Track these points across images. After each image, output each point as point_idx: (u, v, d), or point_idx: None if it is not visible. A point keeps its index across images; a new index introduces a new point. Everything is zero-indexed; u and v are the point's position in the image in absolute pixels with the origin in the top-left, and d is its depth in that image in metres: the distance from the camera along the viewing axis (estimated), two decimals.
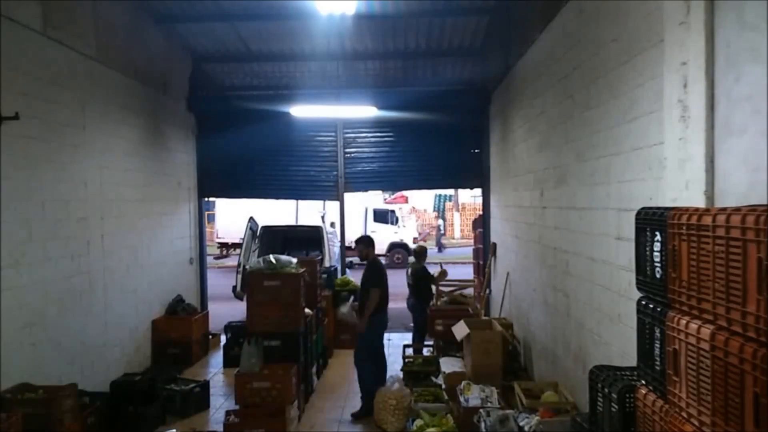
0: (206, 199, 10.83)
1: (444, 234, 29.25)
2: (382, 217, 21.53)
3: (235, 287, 10.36)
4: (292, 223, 15.74)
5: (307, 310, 6.68)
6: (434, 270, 8.78)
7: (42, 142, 5.47)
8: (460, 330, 6.22)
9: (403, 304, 8.90)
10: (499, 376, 5.71)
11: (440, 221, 30.01)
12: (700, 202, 2.65)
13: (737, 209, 1.86)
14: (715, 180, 2.61)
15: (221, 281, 14.38)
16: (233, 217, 18.13)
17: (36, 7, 5.40)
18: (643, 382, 2.49)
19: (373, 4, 7.75)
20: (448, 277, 9.23)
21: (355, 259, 20.16)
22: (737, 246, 1.80)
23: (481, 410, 4.60)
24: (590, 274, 4.40)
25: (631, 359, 3.01)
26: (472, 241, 14.94)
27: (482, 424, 4.41)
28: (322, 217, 15.86)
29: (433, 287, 8.58)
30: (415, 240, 21.70)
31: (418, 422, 5.21)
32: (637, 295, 2.61)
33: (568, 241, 4.98)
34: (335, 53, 9.56)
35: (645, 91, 3.36)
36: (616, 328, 3.81)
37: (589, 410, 3.00)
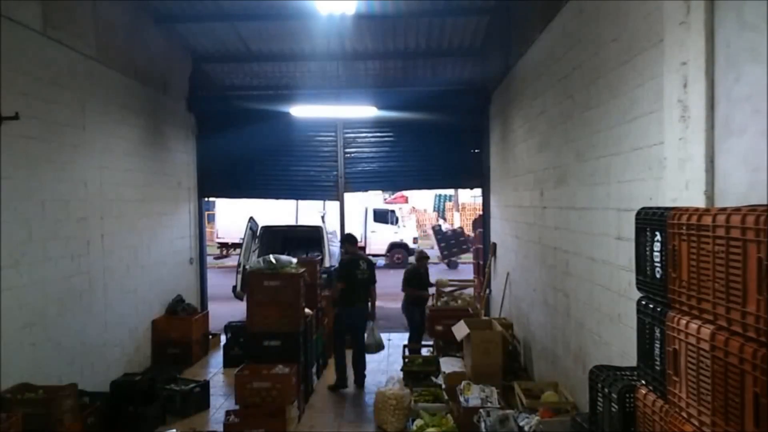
0: (206, 199, 10.82)
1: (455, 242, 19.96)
2: (382, 217, 21.52)
3: (235, 287, 10.36)
4: (292, 223, 15.74)
5: (307, 310, 6.68)
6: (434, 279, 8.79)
7: (42, 142, 5.47)
8: (460, 330, 6.23)
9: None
10: (499, 376, 5.70)
11: (443, 222, 27.58)
12: (700, 202, 2.65)
13: (737, 209, 1.86)
14: (715, 180, 2.61)
15: (221, 281, 14.38)
16: (233, 217, 18.12)
17: (36, 7, 5.40)
18: (643, 382, 2.49)
19: (373, 4, 7.75)
20: (448, 277, 9.23)
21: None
22: (737, 246, 1.80)
23: (481, 410, 4.60)
24: (590, 274, 4.40)
25: (631, 359, 3.01)
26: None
27: (482, 424, 4.41)
28: (322, 217, 15.86)
29: (432, 289, 8.58)
30: (415, 240, 21.70)
31: (418, 422, 5.21)
32: (637, 295, 2.61)
33: (568, 241, 4.98)
34: (335, 53, 9.56)
35: (645, 91, 3.36)
36: (616, 328, 3.81)
37: (589, 410, 3.00)
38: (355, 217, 19.19)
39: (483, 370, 5.67)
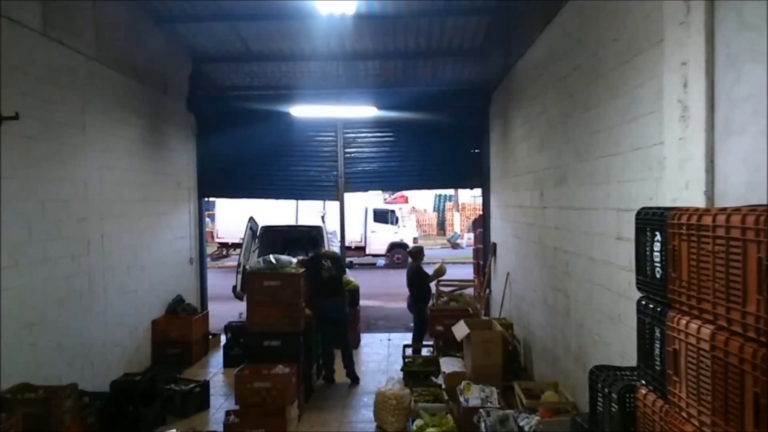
0: (206, 199, 10.82)
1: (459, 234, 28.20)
2: (382, 217, 21.53)
3: (235, 287, 10.36)
4: (292, 223, 15.74)
5: (307, 310, 6.68)
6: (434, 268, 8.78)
7: (42, 142, 5.47)
8: (460, 330, 6.23)
9: (403, 304, 8.90)
10: (499, 376, 5.71)
11: (455, 235, 29.04)
12: (700, 202, 2.65)
13: (737, 209, 1.87)
14: (715, 180, 2.61)
15: (221, 281, 14.38)
16: (233, 217, 18.13)
17: (36, 7, 5.40)
18: (643, 382, 2.49)
19: (373, 4, 7.75)
20: (448, 277, 9.22)
21: (356, 259, 20.28)
22: (737, 246, 1.80)
23: (481, 410, 4.60)
24: (590, 275, 4.40)
25: (631, 359, 3.01)
26: (472, 241, 14.93)
27: (482, 424, 4.41)
28: (322, 217, 15.86)
29: (433, 286, 8.57)
30: (415, 240, 21.72)
31: (418, 422, 5.22)
32: (637, 295, 2.61)
33: (568, 241, 4.98)
34: (335, 53, 9.56)
35: (645, 91, 3.36)
36: (616, 328, 3.82)
37: (589, 410, 3.00)
38: (355, 217, 19.21)
39: (483, 370, 5.68)
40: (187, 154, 9.58)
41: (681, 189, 2.85)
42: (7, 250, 4.87)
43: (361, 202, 20.15)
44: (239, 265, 10.51)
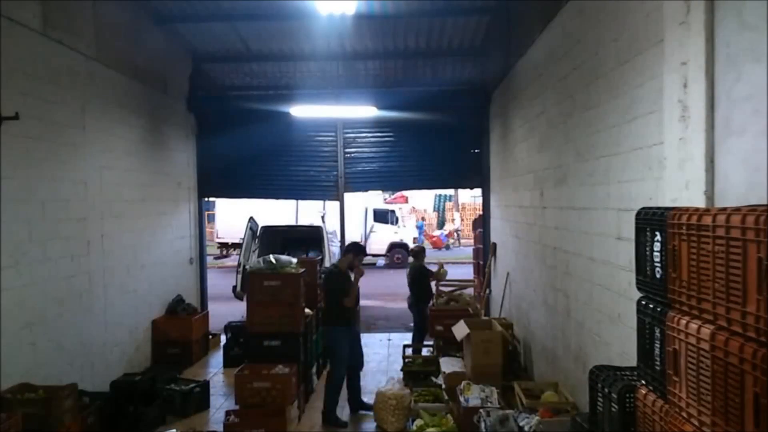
0: (206, 199, 10.82)
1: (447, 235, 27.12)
2: (382, 217, 21.53)
3: (235, 287, 10.37)
4: (292, 223, 15.74)
5: (307, 310, 6.68)
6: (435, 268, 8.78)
7: (42, 142, 5.47)
8: (460, 330, 6.23)
9: (404, 304, 8.90)
10: (499, 376, 5.70)
11: (421, 222, 27.69)
12: (700, 202, 2.65)
13: (737, 209, 1.87)
14: (715, 180, 2.61)
15: (221, 281, 14.38)
16: (233, 217, 18.13)
17: (36, 7, 5.40)
18: (643, 382, 2.49)
19: (373, 4, 7.75)
20: (449, 277, 9.22)
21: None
22: (737, 246, 1.80)
23: (481, 410, 4.60)
24: (590, 274, 4.40)
25: (631, 359, 3.01)
26: (472, 241, 14.94)
27: (482, 424, 4.41)
28: (322, 218, 15.86)
29: (433, 285, 8.57)
30: (415, 240, 21.71)
31: (418, 422, 5.22)
32: (637, 295, 2.61)
33: (568, 241, 4.98)
34: (335, 53, 9.57)
35: (645, 91, 3.36)
36: (616, 328, 3.82)
37: (589, 410, 3.00)
38: (355, 217, 19.20)
39: (483, 370, 5.67)
40: (187, 154, 9.58)
41: (681, 189, 2.85)
42: (7, 250, 4.87)
43: (361, 202, 20.15)
44: (239, 265, 10.51)
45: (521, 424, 4.21)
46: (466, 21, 8.65)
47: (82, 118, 6.21)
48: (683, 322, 2.10)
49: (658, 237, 2.35)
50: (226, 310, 10.45)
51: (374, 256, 21.14)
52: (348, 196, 10.66)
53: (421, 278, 8.33)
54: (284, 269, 6.17)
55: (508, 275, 7.90)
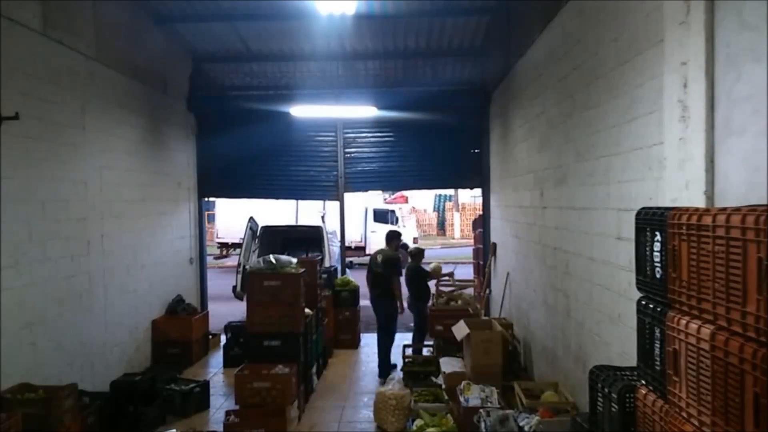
0: (206, 199, 10.82)
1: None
2: (382, 217, 21.52)
3: (235, 287, 10.36)
4: (292, 223, 15.73)
5: (307, 310, 6.68)
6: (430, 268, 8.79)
7: (42, 142, 5.47)
8: (460, 330, 6.23)
9: (404, 304, 8.88)
10: (499, 376, 5.70)
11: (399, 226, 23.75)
12: (700, 202, 2.65)
13: (737, 209, 1.86)
14: (715, 180, 2.61)
15: (221, 281, 14.38)
16: (233, 217, 18.12)
17: (36, 7, 5.40)
18: (643, 382, 2.49)
19: (373, 4, 7.75)
20: (448, 277, 9.22)
21: (355, 259, 20.27)
22: (737, 246, 1.80)
23: (481, 410, 4.60)
24: (590, 274, 4.40)
25: (631, 359, 3.01)
26: (472, 241, 14.93)
27: (482, 424, 4.41)
28: (322, 218, 15.86)
29: (433, 285, 8.57)
30: (415, 240, 21.68)
31: (418, 422, 5.22)
32: (637, 295, 2.61)
33: (568, 241, 4.98)
34: (335, 53, 9.56)
35: (645, 91, 3.36)
36: (616, 328, 3.81)
37: (589, 410, 3.00)
38: (355, 217, 19.19)
39: (483, 370, 5.67)
40: (187, 154, 9.58)
41: (681, 189, 2.85)
42: (7, 250, 4.87)
43: (361, 202, 20.14)
44: (239, 265, 10.52)
45: (521, 424, 4.21)
46: (466, 21, 8.65)
47: (82, 118, 6.21)
48: (683, 322, 2.10)
49: (658, 237, 2.35)
50: (226, 310, 10.45)
51: None
52: (348, 196, 10.66)
53: (418, 278, 8.33)
54: (284, 269, 6.17)
55: (508, 275, 7.90)
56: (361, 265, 20.58)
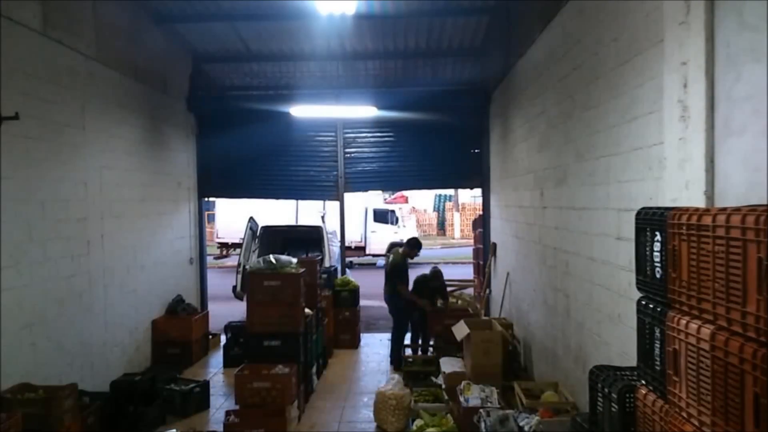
0: (206, 199, 10.82)
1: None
2: (382, 217, 21.52)
3: (235, 287, 10.36)
4: (292, 223, 15.74)
5: (307, 310, 6.68)
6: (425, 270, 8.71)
7: (42, 142, 5.47)
8: (460, 330, 6.23)
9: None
10: (499, 376, 5.71)
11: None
12: (700, 202, 2.65)
13: (737, 209, 1.87)
14: (715, 180, 2.61)
15: (221, 281, 14.38)
16: (233, 217, 18.13)
17: (36, 7, 5.40)
18: (643, 382, 2.49)
19: (373, 4, 7.75)
20: (449, 277, 9.21)
21: (355, 259, 20.26)
22: (737, 246, 1.80)
23: (481, 410, 4.60)
24: (590, 274, 4.40)
25: (631, 359, 3.01)
26: (472, 241, 14.94)
27: (482, 424, 4.41)
28: (322, 218, 15.86)
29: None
30: None
31: (418, 422, 5.22)
32: (637, 295, 2.61)
33: (568, 241, 4.98)
34: (335, 53, 9.56)
35: (645, 91, 3.36)
36: (616, 328, 3.82)
37: (589, 410, 3.00)
38: (355, 217, 19.19)
39: (483, 370, 5.68)
40: (187, 154, 9.58)
41: (681, 189, 2.85)
42: (7, 250, 4.87)
43: (361, 202, 20.14)
44: (239, 265, 10.51)
45: (521, 424, 4.21)
46: (466, 21, 8.65)
47: (82, 118, 6.21)
48: (683, 322, 2.10)
49: (658, 237, 2.35)
50: (226, 310, 10.45)
51: (374, 256, 21.13)
52: (348, 196, 10.66)
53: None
54: (284, 269, 6.17)
55: (508, 275, 7.90)
56: (361, 265, 20.60)
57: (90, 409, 5.17)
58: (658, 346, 2.34)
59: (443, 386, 6.10)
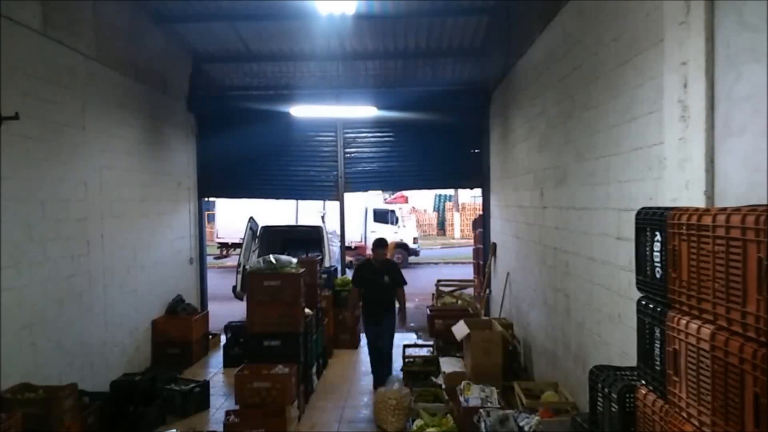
0: (206, 199, 10.82)
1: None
2: (382, 217, 21.52)
3: (235, 287, 10.37)
4: (292, 223, 15.74)
5: (307, 310, 6.68)
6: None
7: (42, 142, 5.47)
8: (460, 330, 6.23)
9: (409, 304, 8.79)
10: (499, 376, 5.70)
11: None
12: (700, 202, 2.65)
13: (737, 209, 1.86)
14: (715, 180, 2.61)
15: (221, 281, 14.38)
16: (233, 217, 18.13)
17: (36, 7, 5.40)
18: (643, 382, 2.49)
19: (373, 4, 7.75)
20: (448, 277, 9.21)
21: (355, 259, 20.25)
22: (737, 246, 1.79)
23: (481, 410, 4.60)
24: (590, 274, 4.40)
25: (631, 359, 3.01)
26: (472, 241, 14.94)
27: (482, 424, 4.41)
28: (322, 218, 15.86)
29: (433, 286, 8.51)
30: (415, 240, 21.67)
31: (418, 422, 5.21)
32: (637, 295, 2.61)
33: (568, 241, 4.98)
34: (335, 53, 9.56)
35: (645, 91, 3.36)
36: (616, 328, 3.82)
37: (589, 410, 3.00)
38: (355, 217, 19.18)
39: (483, 370, 5.67)
40: (187, 154, 9.58)
41: (681, 189, 2.85)
42: (7, 250, 4.87)
43: (361, 202, 20.14)
44: (239, 265, 10.52)
45: (521, 424, 4.21)
46: (466, 21, 8.65)
47: (82, 118, 6.21)
48: (683, 322, 2.10)
49: (658, 237, 2.35)
50: (226, 310, 10.45)
51: None
52: (348, 196, 10.66)
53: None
54: (284, 269, 6.17)
55: (508, 275, 7.90)
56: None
57: (90, 409, 5.17)
58: (658, 346, 2.34)
59: (443, 386, 6.10)
